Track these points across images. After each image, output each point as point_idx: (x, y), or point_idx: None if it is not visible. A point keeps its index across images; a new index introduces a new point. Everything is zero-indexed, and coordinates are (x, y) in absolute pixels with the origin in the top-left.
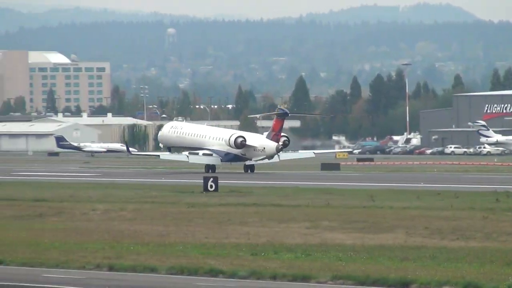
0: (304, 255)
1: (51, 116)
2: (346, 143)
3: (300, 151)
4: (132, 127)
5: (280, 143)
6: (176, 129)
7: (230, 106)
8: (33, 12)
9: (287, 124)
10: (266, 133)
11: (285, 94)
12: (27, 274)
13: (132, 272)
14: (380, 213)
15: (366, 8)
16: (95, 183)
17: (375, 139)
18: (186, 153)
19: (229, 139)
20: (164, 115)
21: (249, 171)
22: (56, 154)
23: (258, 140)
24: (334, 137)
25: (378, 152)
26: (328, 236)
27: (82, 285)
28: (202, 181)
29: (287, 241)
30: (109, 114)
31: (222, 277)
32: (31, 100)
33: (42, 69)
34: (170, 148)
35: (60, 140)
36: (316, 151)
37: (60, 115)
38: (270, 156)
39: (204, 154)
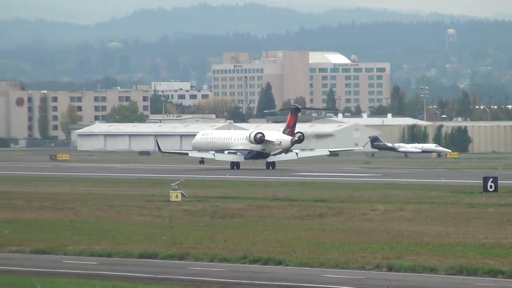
0: None
1: (331, 116)
2: None
3: (316, 149)
4: (412, 127)
5: (295, 138)
6: (206, 136)
7: (510, 107)
8: (313, 12)
9: None
10: (282, 129)
11: None
12: (307, 274)
13: (411, 272)
14: None
15: None
16: (375, 184)
17: None
18: (213, 151)
19: (250, 136)
20: (444, 116)
21: (270, 167)
22: (336, 154)
23: (274, 135)
24: None
25: None
26: None
27: (362, 285)
28: (482, 181)
29: None
30: (389, 115)
31: (502, 278)
32: (311, 100)
33: (322, 70)
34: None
35: (374, 140)
36: (330, 149)
37: (340, 115)
38: (286, 150)
39: (229, 153)
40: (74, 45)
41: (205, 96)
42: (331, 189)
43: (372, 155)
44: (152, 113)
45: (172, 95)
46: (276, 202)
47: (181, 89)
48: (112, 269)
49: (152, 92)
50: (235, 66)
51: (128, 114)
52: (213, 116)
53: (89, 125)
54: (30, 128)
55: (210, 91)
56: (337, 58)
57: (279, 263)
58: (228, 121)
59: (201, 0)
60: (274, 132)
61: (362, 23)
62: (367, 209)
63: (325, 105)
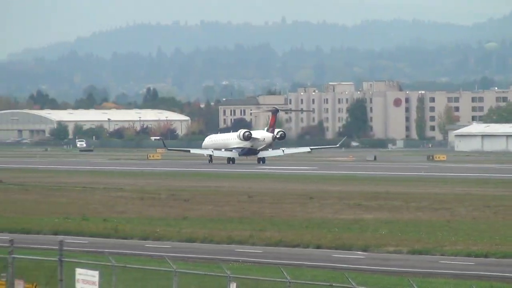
0: None
1: None
2: None
3: (299, 147)
4: None
5: (277, 135)
6: (211, 138)
7: None
8: None
9: None
10: (266, 128)
11: None
12: None
13: None
14: None
15: None
16: None
17: None
18: (212, 149)
19: (239, 134)
20: None
21: (261, 162)
22: None
23: (260, 133)
24: None
25: None
26: None
27: None
28: None
29: None
30: None
31: None
32: None
33: None
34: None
35: None
36: (312, 147)
37: None
38: (269, 145)
39: (225, 150)
40: (452, 45)
41: None
42: None
43: None
44: None
45: None
46: None
47: None
48: (489, 269)
49: None
50: None
51: (505, 114)
52: None
53: (466, 126)
54: (407, 128)
55: None
56: None
57: None
58: None
59: None
60: (260, 131)
61: None
62: None
63: None
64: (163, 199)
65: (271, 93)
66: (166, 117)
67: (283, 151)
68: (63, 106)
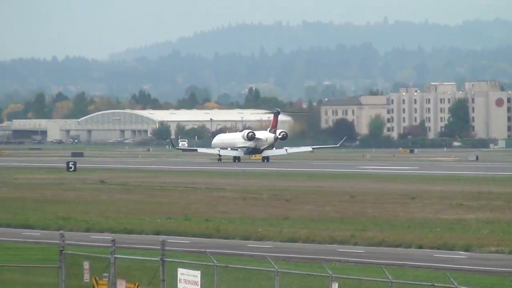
0: None
1: None
2: None
3: (301, 147)
4: None
5: (279, 135)
6: (219, 138)
7: None
8: None
9: None
10: (268, 129)
11: None
12: None
13: None
14: None
15: None
16: None
17: None
18: (218, 148)
19: (243, 134)
20: None
21: (265, 161)
22: None
23: (262, 134)
24: None
25: None
26: None
27: None
28: None
29: None
30: None
31: None
32: None
33: None
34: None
35: None
36: (313, 147)
37: None
38: (272, 145)
39: (231, 149)
40: None
41: None
42: None
43: None
44: None
45: None
46: None
47: None
48: None
49: None
50: None
51: None
52: None
53: None
54: (509, 128)
55: None
56: None
57: None
58: None
59: None
60: (262, 132)
61: None
62: None
63: None
64: (265, 199)
65: (372, 93)
66: (268, 117)
67: (286, 150)
68: (165, 106)
